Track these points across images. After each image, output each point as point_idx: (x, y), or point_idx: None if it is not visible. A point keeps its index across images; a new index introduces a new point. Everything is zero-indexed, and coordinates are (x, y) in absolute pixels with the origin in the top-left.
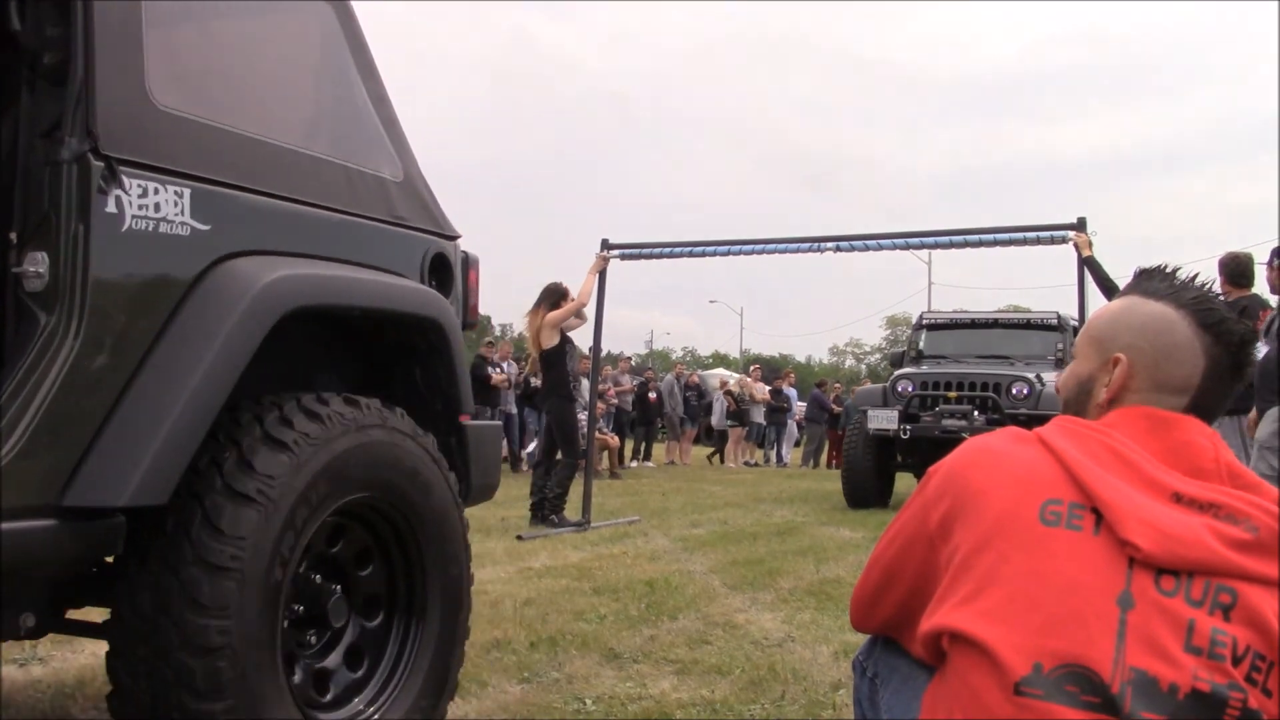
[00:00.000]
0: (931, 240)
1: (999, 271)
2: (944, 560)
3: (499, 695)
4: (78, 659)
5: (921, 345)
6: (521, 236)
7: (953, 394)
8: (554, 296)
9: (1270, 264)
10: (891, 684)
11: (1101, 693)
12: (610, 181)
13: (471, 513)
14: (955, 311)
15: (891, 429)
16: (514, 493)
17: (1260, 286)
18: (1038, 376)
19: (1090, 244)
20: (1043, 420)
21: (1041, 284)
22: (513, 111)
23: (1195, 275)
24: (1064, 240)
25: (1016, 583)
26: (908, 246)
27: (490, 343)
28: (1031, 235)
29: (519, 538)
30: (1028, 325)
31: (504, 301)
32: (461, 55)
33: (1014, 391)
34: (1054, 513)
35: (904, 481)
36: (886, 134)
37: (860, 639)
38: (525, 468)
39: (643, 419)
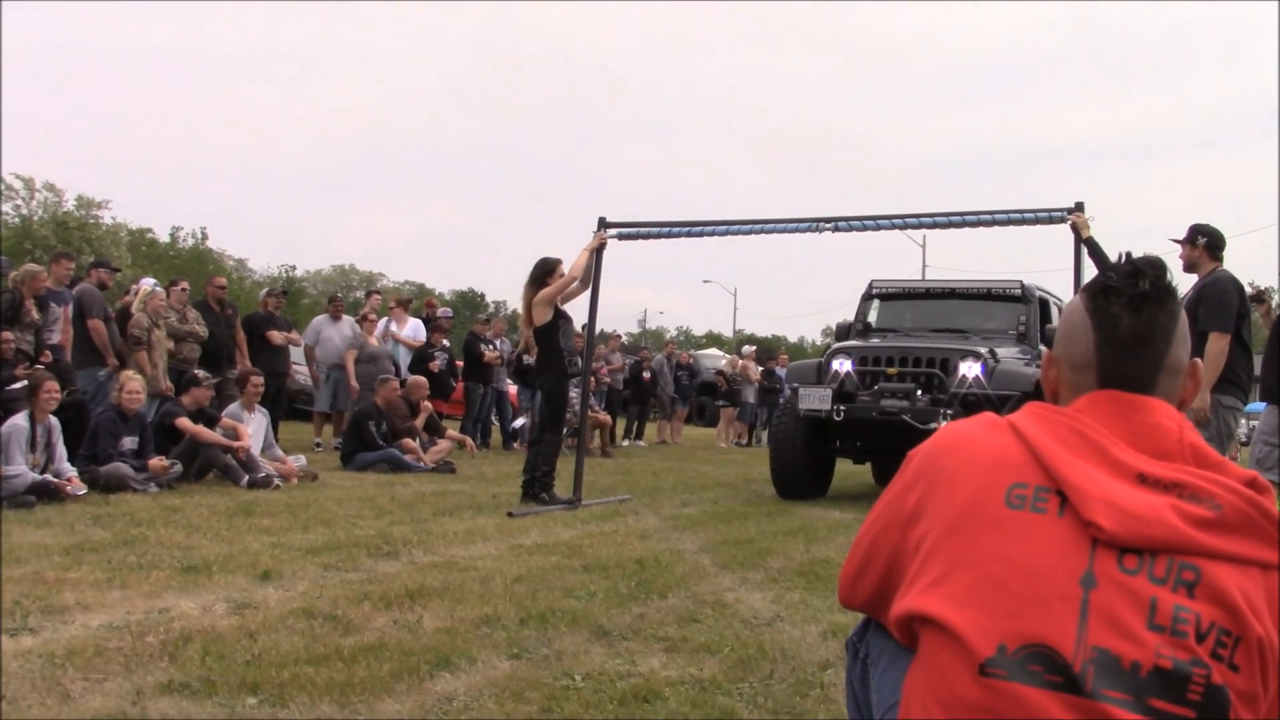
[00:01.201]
0: (929, 221)
1: (994, 255)
2: (912, 543)
3: (488, 671)
4: (68, 629)
5: (872, 317)
6: (515, 213)
7: (892, 370)
8: (545, 272)
9: (1193, 241)
10: (880, 664)
11: (1064, 672)
12: (602, 159)
13: (463, 489)
14: (910, 280)
15: (824, 410)
16: (505, 469)
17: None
18: (991, 352)
19: (1088, 224)
20: (995, 401)
21: (1036, 268)
22: (499, 86)
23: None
24: (1062, 221)
25: (983, 566)
26: (905, 227)
27: (484, 320)
28: (1030, 216)
29: (510, 514)
30: (989, 295)
31: (497, 278)
32: (444, 28)
33: (963, 369)
34: (1019, 496)
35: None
36: (881, 115)
37: (850, 619)
38: (516, 445)
39: (636, 398)
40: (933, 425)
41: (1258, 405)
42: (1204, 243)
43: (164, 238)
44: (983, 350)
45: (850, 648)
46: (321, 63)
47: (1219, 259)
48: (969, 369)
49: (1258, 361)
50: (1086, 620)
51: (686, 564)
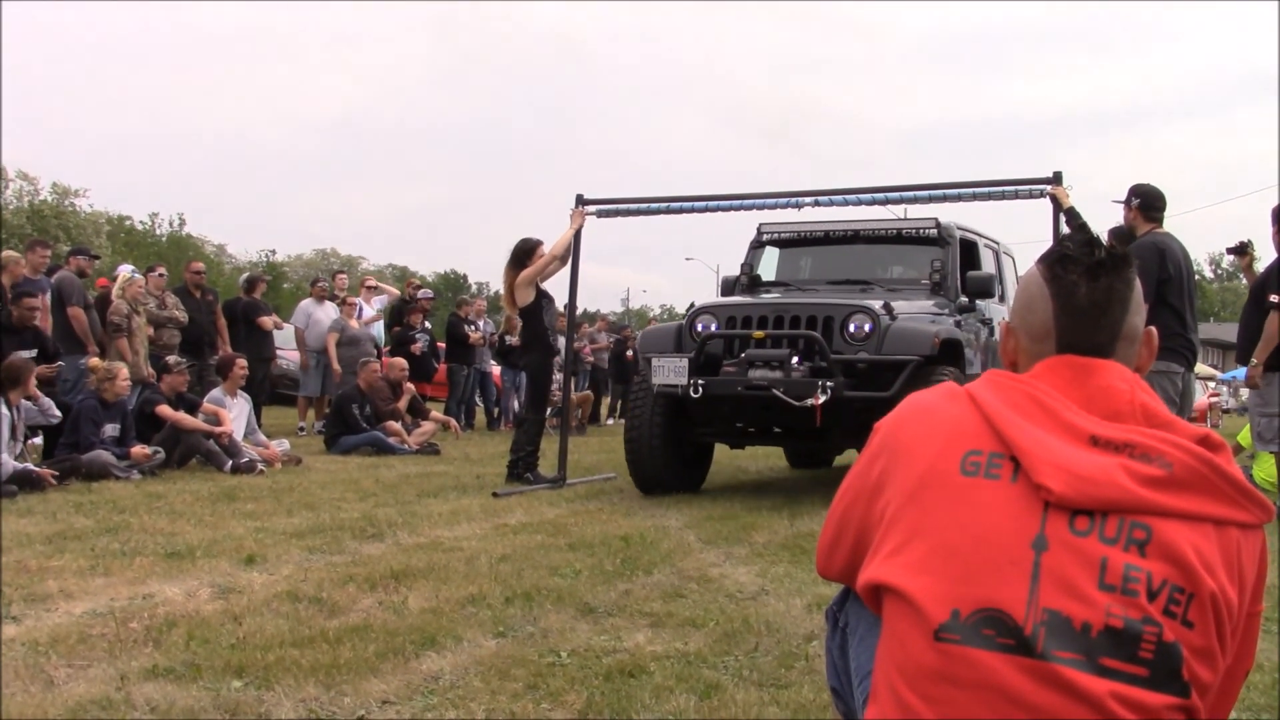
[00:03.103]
0: (910, 195)
1: (976, 224)
2: (877, 514)
3: (474, 650)
4: (51, 617)
5: (769, 270)
6: (495, 194)
7: (759, 333)
8: (525, 253)
9: (1129, 203)
10: (859, 633)
11: (1015, 635)
12: (581, 138)
13: (448, 471)
14: (804, 222)
15: (679, 385)
16: (490, 450)
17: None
18: (885, 306)
19: (1068, 195)
20: (893, 366)
21: (1017, 238)
22: (475, 67)
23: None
24: (1041, 195)
25: (939, 534)
26: (886, 201)
27: (465, 301)
28: (1010, 190)
29: (495, 495)
30: (899, 238)
31: (479, 259)
32: (418, 9)
33: (851, 329)
34: (974, 463)
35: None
36: (857, 89)
37: (833, 591)
38: (503, 426)
39: (620, 376)
40: (809, 402)
41: (1237, 372)
42: (1137, 204)
43: (140, 224)
44: (875, 305)
45: (830, 617)
46: (298, 46)
47: (1155, 220)
48: (856, 328)
49: (1229, 328)
50: (1038, 583)
51: (671, 540)
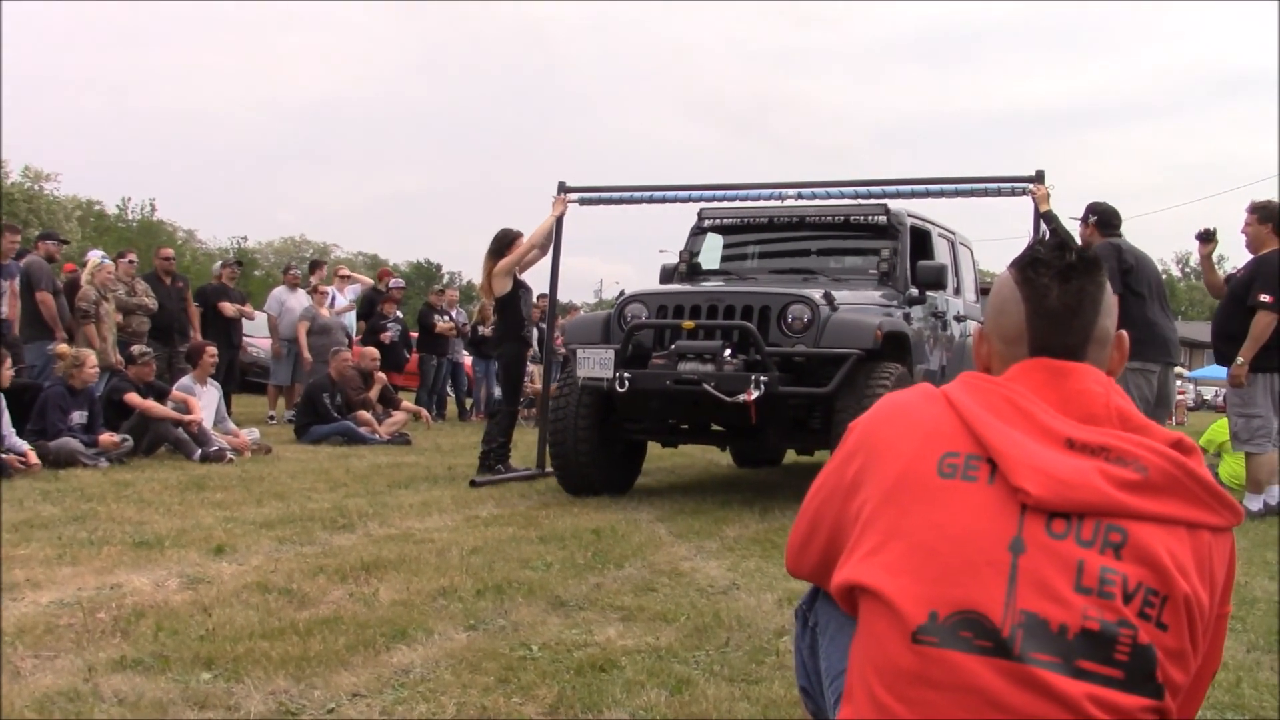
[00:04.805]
0: (894, 190)
1: (955, 221)
2: (853, 513)
3: (445, 642)
4: (18, 607)
5: (712, 257)
6: (469, 183)
7: (688, 324)
8: (504, 243)
9: (1085, 220)
10: (829, 632)
11: (993, 637)
12: (558, 128)
13: (419, 461)
14: (747, 206)
15: (605, 378)
16: (461, 441)
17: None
18: (825, 296)
19: (1048, 197)
20: (832, 360)
21: (993, 236)
22: (450, 55)
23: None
24: (1023, 192)
25: (916, 535)
26: (870, 195)
27: (438, 290)
28: (992, 187)
29: (473, 483)
30: (846, 225)
31: (452, 248)
32: None
33: (789, 319)
34: (951, 465)
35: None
36: (830, 81)
37: (803, 587)
38: (474, 416)
39: None
40: (741, 397)
41: (1207, 371)
42: (1094, 221)
43: (112, 210)
44: (814, 295)
45: (799, 615)
46: (269, 31)
47: (1112, 235)
48: (794, 319)
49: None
50: (1015, 585)
51: (643, 534)
